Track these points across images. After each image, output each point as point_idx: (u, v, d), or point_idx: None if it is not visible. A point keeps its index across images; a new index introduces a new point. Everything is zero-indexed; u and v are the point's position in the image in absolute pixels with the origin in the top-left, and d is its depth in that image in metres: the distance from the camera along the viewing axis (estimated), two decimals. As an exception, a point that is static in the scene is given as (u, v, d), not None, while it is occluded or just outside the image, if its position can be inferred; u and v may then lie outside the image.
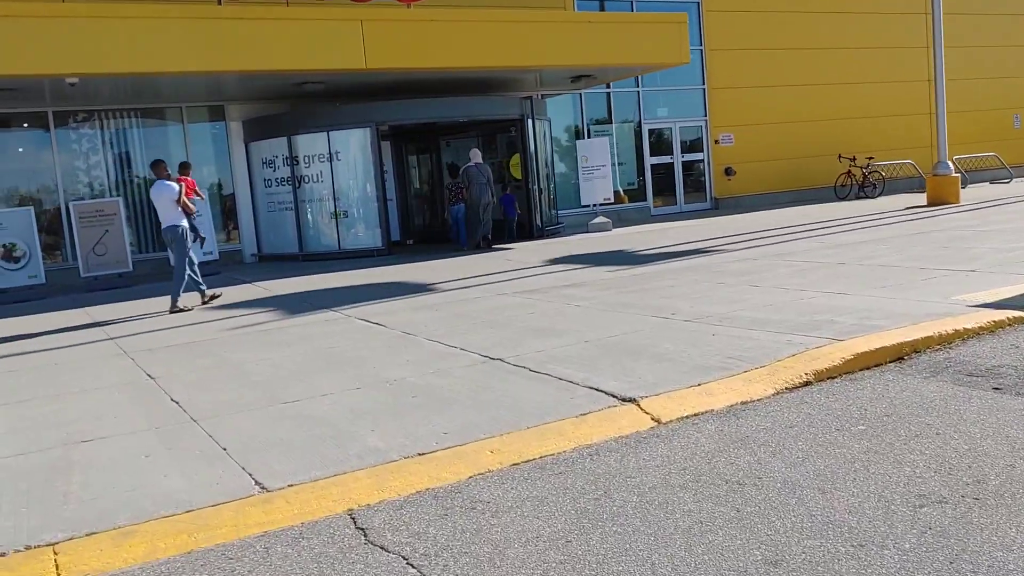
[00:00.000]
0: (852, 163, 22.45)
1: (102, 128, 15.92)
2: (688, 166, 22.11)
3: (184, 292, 10.42)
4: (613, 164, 17.94)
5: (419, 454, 4.45)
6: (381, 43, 14.09)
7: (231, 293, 11.74)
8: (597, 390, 5.28)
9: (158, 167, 10.56)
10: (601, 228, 17.16)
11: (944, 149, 17.94)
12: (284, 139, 16.08)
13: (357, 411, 5.27)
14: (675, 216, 20.76)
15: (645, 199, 21.33)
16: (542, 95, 18.48)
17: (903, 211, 16.74)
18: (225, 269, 15.68)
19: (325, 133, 15.80)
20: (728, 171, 22.27)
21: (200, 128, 16.89)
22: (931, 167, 18.54)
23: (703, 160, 22.20)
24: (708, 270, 10.13)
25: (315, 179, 16.00)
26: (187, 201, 10.52)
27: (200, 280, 10.65)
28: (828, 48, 23.35)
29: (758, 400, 5.09)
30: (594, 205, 18.01)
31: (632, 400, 5.04)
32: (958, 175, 18.15)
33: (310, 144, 15.98)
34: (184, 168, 12.16)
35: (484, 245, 15.86)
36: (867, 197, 22.03)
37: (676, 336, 6.54)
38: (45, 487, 4.37)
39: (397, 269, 13.25)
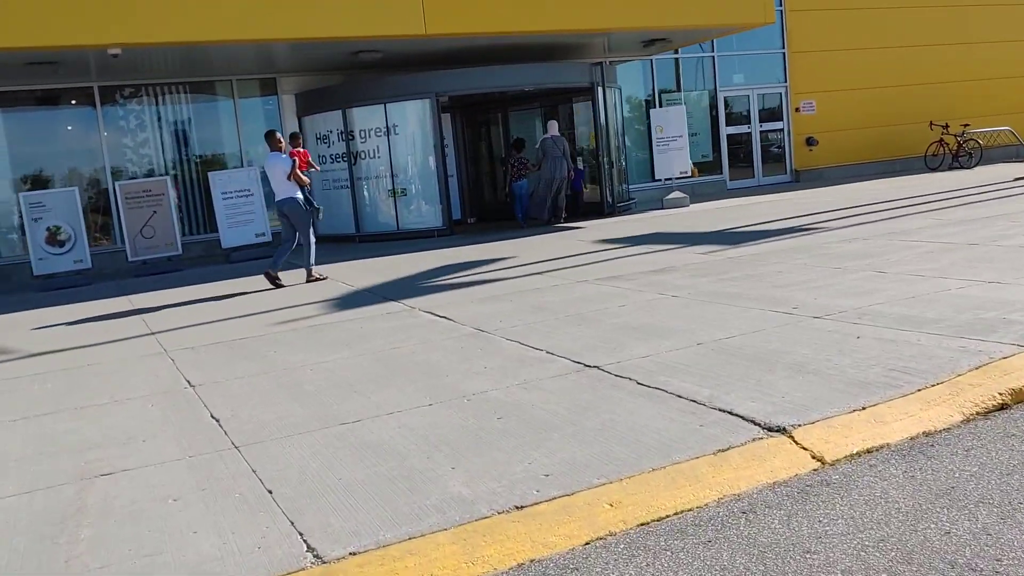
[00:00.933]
0: (945, 131, 20.74)
1: (149, 104, 15.16)
2: (766, 136, 20.67)
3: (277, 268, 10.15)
4: (688, 135, 16.65)
5: (516, 507, 3.42)
6: (441, 7, 13.01)
7: (284, 279, 10.86)
8: (731, 414, 4.20)
9: (272, 138, 10.39)
10: (678, 204, 15.93)
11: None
12: (339, 112, 15.15)
13: (431, 438, 4.27)
14: (753, 190, 19.38)
15: (721, 172, 19.98)
16: (611, 61, 17.21)
17: (1013, 183, 15.18)
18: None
19: (382, 105, 14.82)
20: (810, 141, 20.76)
21: (251, 103, 16.06)
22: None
23: (783, 129, 20.73)
24: (816, 252, 8.91)
25: (372, 155, 15.06)
26: (300, 173, 10.27)
27: (282, 259, 10.26)
28: (914, 7, 21.57)
29: (945, 430, 3.95)
30: (668, 179, 16.77)
31: (781, 430, 3.95)
32: (1074, 142, 16.46)
33: (366, 117, 15.03)
34: (295, 139, 11.49)
35: (554, 220, 14.82)
36: (962, 167, 20.35)
37: (811, 339, 5.40)
38: (45, 546, 3.45)
39: (460, 251, 12.25)
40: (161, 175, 14.52)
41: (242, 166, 15.36)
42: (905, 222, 10.77)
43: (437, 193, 14.84)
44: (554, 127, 15.45)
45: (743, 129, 20.35)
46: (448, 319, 7.23)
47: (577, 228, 13.97)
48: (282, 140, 10.45)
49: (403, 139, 14.95)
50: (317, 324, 7.60)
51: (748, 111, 20.34)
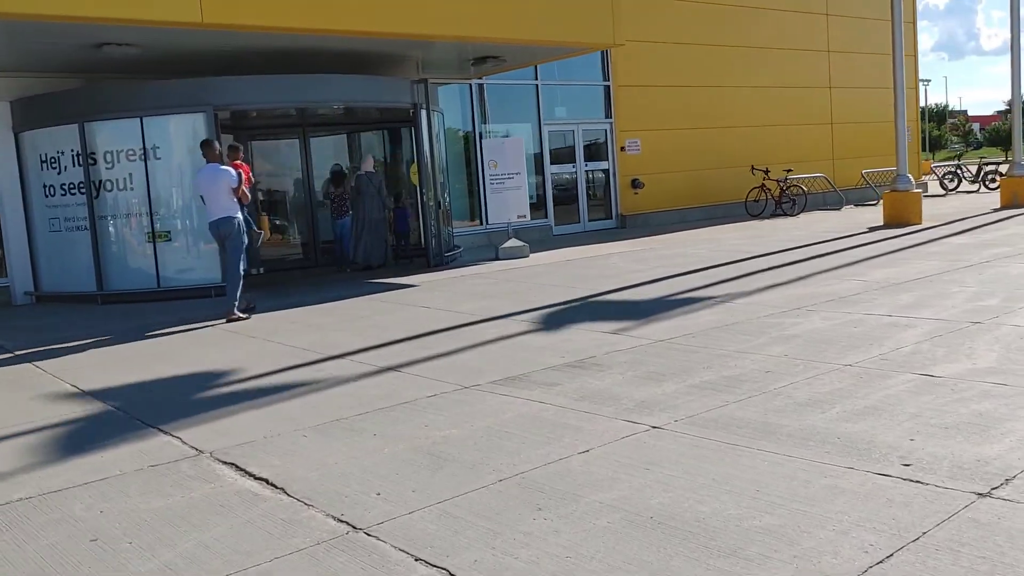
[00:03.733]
0: (766, 176, 19.74)
1: None
2: (591, 177, 18.65)
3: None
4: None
5: None
6: (224, -11, 9.59)
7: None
8: None
9: (209, 148, 9.38)
10: (516, 254, 13.27)
11: (904, 160, 15.36)
12: (74, 128, 11.14)
13: None
14: (580, 237, 17.17)
15: (546, 216, 17.64)
16: (432, 81, 14.36)
17: (867, 232, 13.96)
18: (-20, 317, 10.54)
19: (138, 120, 11.02)
20: (635, 183, 18.98)
21: (-58, 110, 11.62)
22: (891, 180, 15.96)
23: (607, 170, 18.80)
24: (773, 334, 6.47)
25: (122, 185, 11.17)
26: (245, 190, 9.31)
27: (237, 292, 9.01)
28: (738, 46, 20.63)
29: None
30: (499, 225, 14.09)
31: None
32: (919, 190, 15.67)
33: (115, 135, 11.15)
34: (235, 152, 10.02)
35: (369, 268, 11.93)
36: (785, 215, 19.40)
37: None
38: None
39: (240, 324, 8.80)
40: None
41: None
42: (823, 284, 8.70)
43: (215, 238, 11.18)
44: (369, 162, 13.23)
45: (568, 169, 18.19)
46: (272, 485, 3.94)
47: (403, 286, 10.86)
48: (218, 150, 9.42)
49: (167, 165, 11.20)
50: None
51: (573, 148, 18.22)
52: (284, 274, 13.20)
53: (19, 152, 11.79)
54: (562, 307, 8.52)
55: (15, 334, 9.10)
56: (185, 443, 4.75)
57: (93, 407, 5.70)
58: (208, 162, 9.30)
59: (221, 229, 9.09)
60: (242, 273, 9.12)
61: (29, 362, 7.42)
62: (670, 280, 9.87)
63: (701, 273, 10.28)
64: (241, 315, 8.91)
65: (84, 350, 7.89)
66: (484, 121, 16.71)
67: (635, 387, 5.27)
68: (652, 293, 9.01)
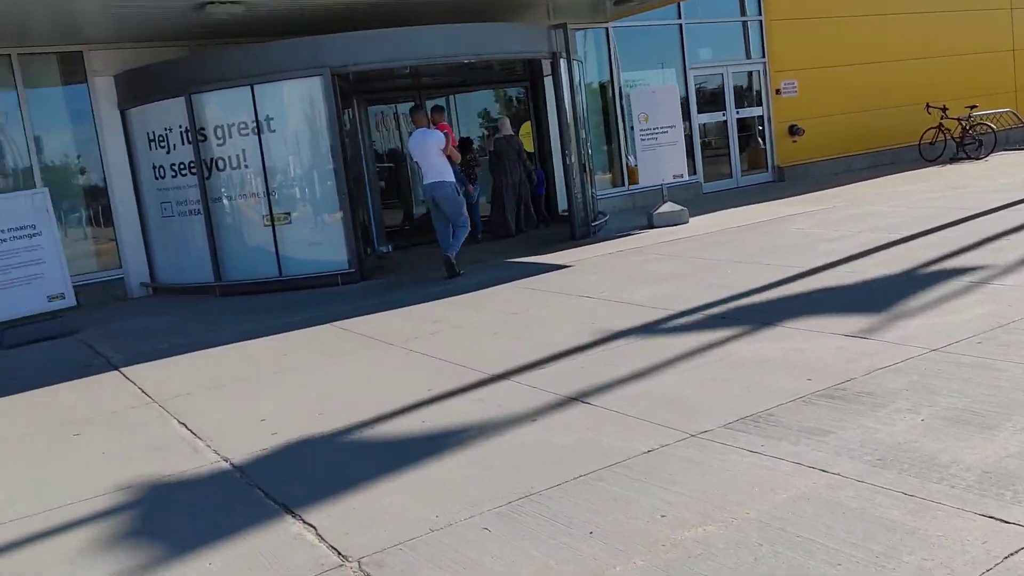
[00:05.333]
0: (944, 115, 17.15)
1: None
2: (743, 125, 16.59)
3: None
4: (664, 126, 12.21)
5: None
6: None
7: (63, 396, 5.86)
8: None
9: (418, 113, 9.60)
10: (673, 220, 11.52)
11: None
12: (181, 101, 10.03)
13: None
14: (734, 194, 15.22)
15: (694, 172, 15.72)
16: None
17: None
18: (89, 316, 9.62)
19: (248, 88, 9.79)
20: (793, 130, 16.80)
21: (46, 93, 10.71)
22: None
23: (762, 116, 16.68)
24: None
25: (235, 163, 10.02)
26: (453, 150, 9.53)
27: (459, 242, 9.32)
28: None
29: None
30: (653, 186, 12.30)
31: None
32: None
33: (225, 107, 9.99)
34: (439, 112, 10.39)
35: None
36: (970, 158, 16.80)
37: None
38: None
39: (382, 321, 7.46)
40: None
41: (25, 187, 10.04)
42: None
43: (340, 218, 9.93)
44: (507, 125, 12.19)
45: (717, 117, 16.18)
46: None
47: (552, 268, 9.32)
48: (427, 115, 9.66)
49: (282, 137, 9.97)
50: None
51: (723, 93, 16.18)
52: (405, 252, 11.88)
53: (126, 131, 10.81)
54: (765, 294, 6.80)
55: (123, 340, 8.06)
56: (321, 537, 3.38)
57: (200, 464, 4.43)
58: (416, 127, 9.41)
59: (436, 193, 9.19)
60: (468, 228, 9.43)
61: (134, 383, 6.29)
62: (886, 251, 7.97)
63: (919, 241, 8.33)
64: (450, 267, 9.11)
65: (198, 366, 6.71)
66: (618, 70, 14.87)
67: (952, 439, 3.58)
68: (874, 270, 7.17)
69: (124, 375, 6.55)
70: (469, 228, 9.50)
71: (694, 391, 4.65)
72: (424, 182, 9.37)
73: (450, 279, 9.01)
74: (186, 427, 5.06)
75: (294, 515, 3.63)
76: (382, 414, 4.86)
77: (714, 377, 4.84)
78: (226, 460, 4.41)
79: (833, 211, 11.14)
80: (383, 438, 4.48)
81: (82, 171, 10.95)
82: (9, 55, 10.23)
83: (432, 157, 9.16)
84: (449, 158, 9.27)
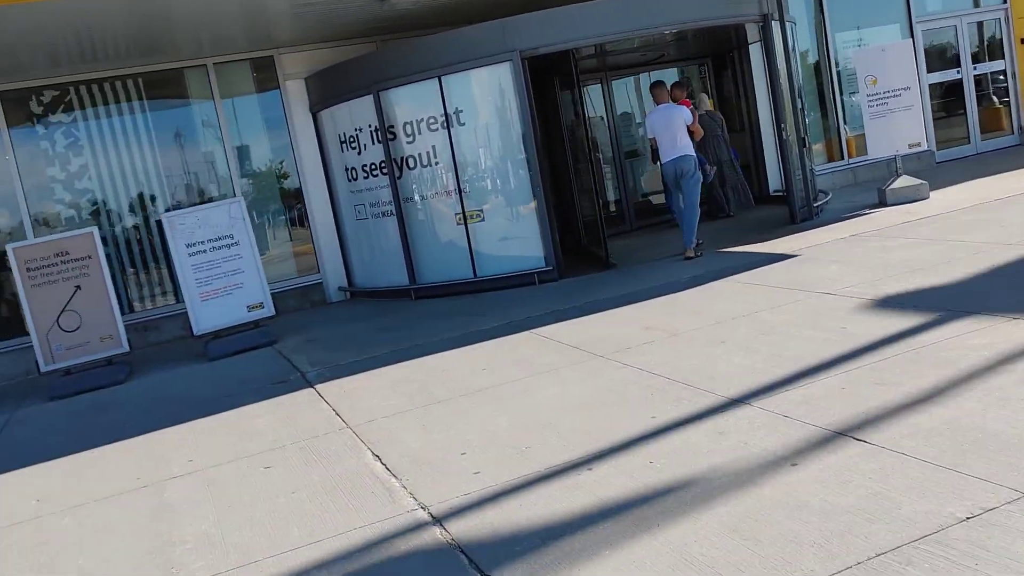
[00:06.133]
0: None
1: (78, 108, 9.93)
2: (980, 83, 14.49)
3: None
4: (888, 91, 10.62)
5: None
6: None
7: (257, 420, 5.51)
8: None
9: (660, 88, 9.34)
10: (912, 196, 10.01)
11: None
12: (369, 99, 9.69)
13: None
14: (974, 162, 13.27)
15: (927, 139, 13.83)
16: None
17: None
18: (289, 323, 9.50)
19: (435, 80, 9.30)
20: (1044, 84, 14.52)
21: (240, 102, 10.73)
22: None
23: (1004, 71, 14.51)
24: None
25: (426, 160, 9.57)
26: (699, 126, 9.32)
27: (696, 229, 9.03)
28: None
29: None
30: (893, 156, 10.72)
31: None
32: None
33: (412, 102, 9.56)
34: (680, 88, 10.19)
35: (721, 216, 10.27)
36: None
37: None
38: None
39: (586, 326, 6.68)
40: (86, 227, 8.89)
41: (224, 197, 10.08)
42: None
43: (535, 212, 9.26)
44: (705, 101, 11.55)
45: (951, 75, 14.20)
46: None
47: (776, 258, 8.18)
48: (668, 91, 9.41)
49: (472, 131, 9.42)
50: None
51: (958, 49, 14.19)
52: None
53: (318, 133, 10.66)
54: (1062, 285, 5.45)
55: (320, 351, 7.76)
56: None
57: (395, 513, 3.83)
58: (657, 103, 9.24)
59: (680, 166, 8.97)
60: (698, 211, 9.10)
61: (327, 402, 5.86)
62: None
63: None
64: (695, 254, 8.88)
65: (393, 382, 6.22)
66: (831, 31, 13.30)
67: None
68: None
69: (318, 393, 6.15)
70: (698, 212, 9.10)
71: (1006, 423, 3.54)
72: (665, 159, 9.05)
73: (689, 259, 8.86)
74: (380, 461, 4.50)
75: (504, 596, 2.92)
76: (599, 450, 4.08)
77: (1031, 404, 3.70)
78: (424, 508, 3.79)
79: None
80: (604, 485, 3.69)
81: (278, 177, 10.93)
82: (205, 65, 10.31)
83: (678, 132, 8.96)
84: (691, 134, 9.08)
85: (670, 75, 14.06)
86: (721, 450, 3.81)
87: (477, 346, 6.73)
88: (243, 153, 10.67)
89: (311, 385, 6.43)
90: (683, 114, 9.01)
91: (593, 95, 12.60)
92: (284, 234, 11.02)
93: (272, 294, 9.10)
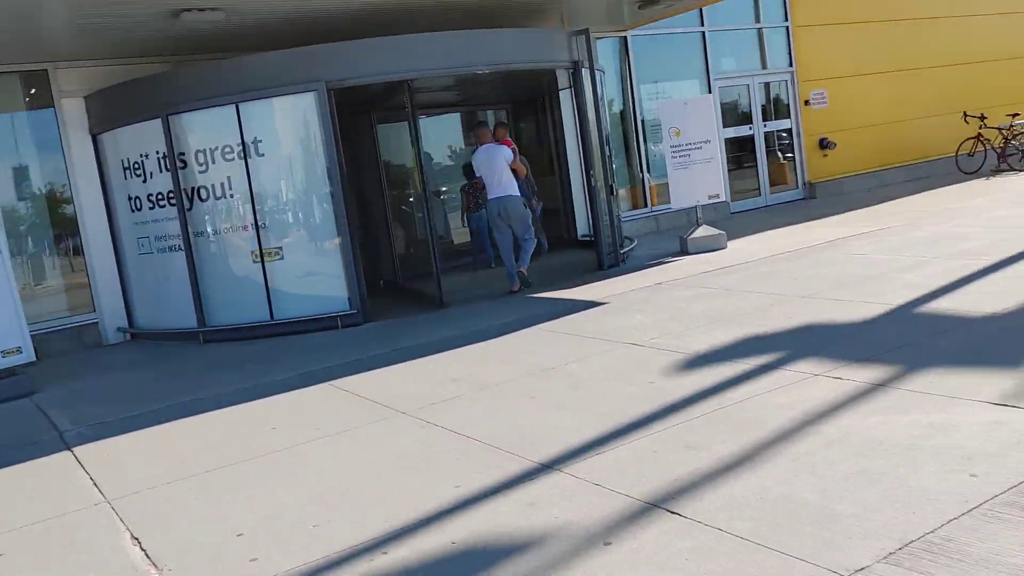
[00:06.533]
0: (983, 124, 16.01)
1: None
2: (769, 140, 15.44)
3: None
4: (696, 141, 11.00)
5: None
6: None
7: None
8: None
9: (482, 129, 9.86)
10: (710, 245, 10.35)
11: None
12: (158, 122, 8.87)
13: None
14: (764, 214, 14.09)
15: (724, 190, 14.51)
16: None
17: None
18: (54, 370, 8.43)
19: (233, 107, 8.63)
20: (824, 143, 15.66)
21: (8, 117, 9.56)
22: None
23: (790, 130, 15.55)
24: None
25: (219, 192, 8.84)
26: (520, 162, 9.44)
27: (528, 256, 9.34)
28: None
29: None
30: (695, 206, 11.04)
31: None
32: None
33: (207, 129, 8.83)
34: (502, 128, 10.08)
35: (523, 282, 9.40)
36: (1013, 170, 15.65)
37: None
38: None
39: (390, 377, 6.27)
40: None
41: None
42: None
43: (339, 251, 8.74)
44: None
45: (744, 131, 15.04)
46: None
47: (584, 306, 8.11)
48: (489, 133, 9.75)
49: (272, 162, 8.80)
50: None
51: (749, 106, 15.06)
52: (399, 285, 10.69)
53: (99, 158, 9.66)
54: (856, 339, 5.61)
55: (85, 404, 6.85)
56: None
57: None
58: (480, 143, 9.54)
59: (506, 205, 9.19)
60: (535, 240, 9.42)
61: (86, 470, 5.07)
62: (980, 282, 6.78)
63: (1017, 267, 7.14)
64: (524, 279, 9.22)
65: (166, 444, 5.51)
66: (636, 82, 13.73)
67: None
68: (979, 305, 5.97)
69: (76, 458, 5.33)
70: (535, 241, 9.42)
71: (816, 493, 3.44)
72: (491, 197, 9.25)
73: (515, 293, 9.10)
74: (139, 545, 3.85)
75: None
76: (397, 527, 3.65)
77: (836, 470, 3.63)
78: (186, 608, 3.20)
79: (890, 232, 9.96)
80: (400, 572, 3.26)
81: (49, 204, 9.78)
82: (-35, 75, 9.11)
83: (500, 171, 9.17)
84: (515, 172, 9.29)
85: (470, 119, 13.96)
86: (531, 527, 3.49)
87: (268, 400, 6.13)
88: (8, 176, 9.46)
89: (68, 448, 5.58)
90: (504, 153, 9.22)
91: (396, 133, 12.25)
92: (55, 267, 9.86)
93: (36, 335, 8.06)
